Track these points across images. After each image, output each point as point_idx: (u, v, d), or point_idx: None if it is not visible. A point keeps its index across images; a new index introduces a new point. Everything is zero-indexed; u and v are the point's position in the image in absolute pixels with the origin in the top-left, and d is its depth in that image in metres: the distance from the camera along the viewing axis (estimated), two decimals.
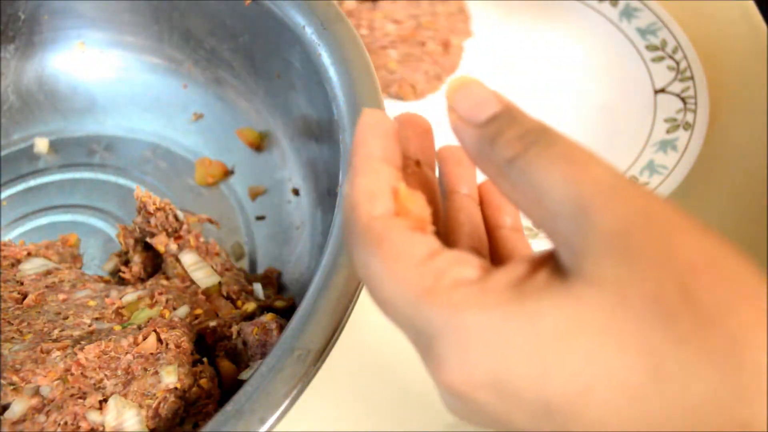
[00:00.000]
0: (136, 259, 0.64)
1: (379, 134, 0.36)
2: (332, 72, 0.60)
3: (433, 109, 0.83)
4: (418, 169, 0.40)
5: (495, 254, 0.40)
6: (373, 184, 0.33)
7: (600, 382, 0.26)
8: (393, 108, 0.82)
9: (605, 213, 0.27)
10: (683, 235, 0.27)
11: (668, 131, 0.76)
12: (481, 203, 0.42)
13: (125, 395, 0.48)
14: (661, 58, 0.82)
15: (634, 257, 0.27)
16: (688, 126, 0.76)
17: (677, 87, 0.80)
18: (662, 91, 0.80)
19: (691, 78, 0.79)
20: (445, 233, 0.40)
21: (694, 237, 0.27)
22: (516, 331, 0.28)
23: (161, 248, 0.61)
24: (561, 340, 0.27)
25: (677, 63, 0.81)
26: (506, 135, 0.32)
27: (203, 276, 0.60)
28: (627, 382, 0.26)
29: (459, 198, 0.41)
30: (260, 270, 0.68)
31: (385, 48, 0.83)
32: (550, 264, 0.29)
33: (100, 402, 0.47)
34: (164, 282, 0.60)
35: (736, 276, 0.26)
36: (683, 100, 0.78)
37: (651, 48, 0.84)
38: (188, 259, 0.61)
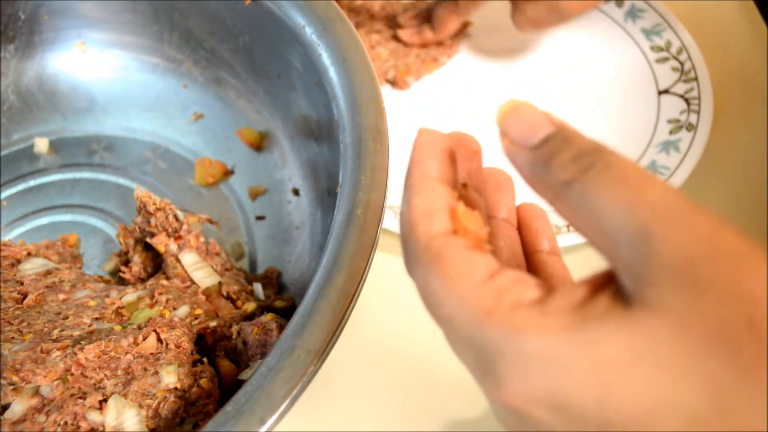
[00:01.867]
0: (136, 259, 0.64)
1: (434, 154, 0.36)
2: (332, 72, 0.59)
3: (431, 93, 0.84)
4: (465, 192, 0.40)
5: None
6: (430, 204, 0.34)
7: (661, 407, 0.27)
8: (392, 97, 0.83)
9: (668, 240, 0.27)
10: (748, 265, 0.27)
11: (671, 132, 0.76)
12: (519, 227, 0.43)
13: (125, 395, 0.48)
14: (665, 59, 0.82)
15: (699, 287, 0.26)
16: (691, 127, 0.76)
17: (681, 88, 0.79)
18: (666, 92, 0.80)
19: (695, 79, 0.79)
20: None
21: (759, 268, 0.27)
22: (578, 355, 0.28)
23: (161, 248, 0.61)
24: (623, 366, 0.27)
25: (681, 64, 0.81)
26: (561, 157, 0.31)
27: (203, 276, 0.60)
28: (688, 410, 0.26)
29: (497, 223, 0.42)
30: (260, 270, 0.68)
31: (374, 48, 0.85)
32: (611, 288, 0.29)
33: (100, 402, 0.47)
34: (164, 282, 0.60)
35: None
36: (687, 101, 0.78)
37: (655, 49, 0.83)
38: (188, 259, 0.60)
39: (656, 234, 0.27)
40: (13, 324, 0.53)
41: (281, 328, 0.52)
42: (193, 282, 0.60)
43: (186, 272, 0.60)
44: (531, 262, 0.41)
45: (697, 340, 0.26)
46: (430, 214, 0.33)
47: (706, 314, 0.26)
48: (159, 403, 0.48)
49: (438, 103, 0.83)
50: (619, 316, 0.28)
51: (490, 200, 0.42)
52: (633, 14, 0.86)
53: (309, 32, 0.62)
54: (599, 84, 0.84)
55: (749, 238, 0.28)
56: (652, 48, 0.84)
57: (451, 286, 0.31)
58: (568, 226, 0.70)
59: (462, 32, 0.88)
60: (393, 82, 0.84)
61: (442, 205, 0.34)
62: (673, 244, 0.27)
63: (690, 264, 0.27)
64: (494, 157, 0.78)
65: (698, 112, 0.76)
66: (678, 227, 0.27)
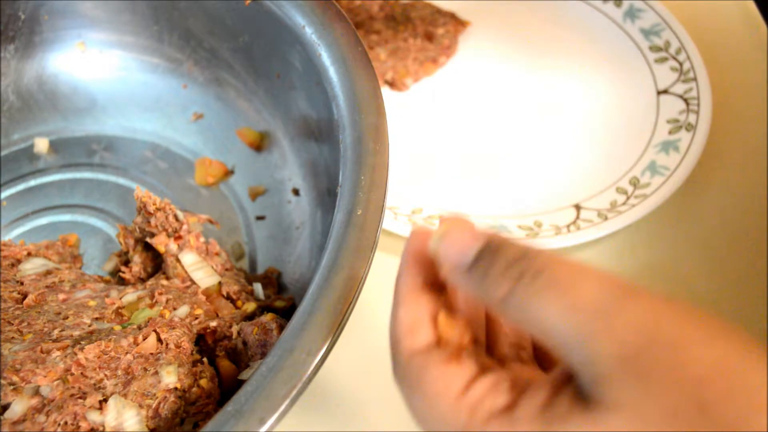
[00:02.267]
0: (136, 259, 0.64)
1: (422, 260, 0.37)
2: (332, 72, 0.59)
3: (430, 94, 0.84)
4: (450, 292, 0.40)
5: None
6: (414, 317, 0.36)
7: None
8: (391, 97, 0.83)
9: (606, 339, 0.29)
10: (690, 347, 0.28)
11: (670, 132, 0.76)
12: None
13: (125, 395, 0.48)
14: (664, 59, 0.82)
15: (647, 379, 0.28)
16: (690, 127, 0.76)
17: (680, 88, 0.79)
18: (665, 92, 0.80)
19: (694, 79, 0.79)
20: (489, 344, 0.41)
21: (701, 348, 0.28)
22: None
23: (161, 248, 0.61)
24: None
25: (680, 64, 0.81)
26: (492, 273, 0.33)
27: (203, 276, 0.60)
28: None
29: None
30: (260, 270, 0.68)
31: (372, 48, 0.85)
32: (572, 386, 0.31)
33: (100, 402, 0.47)
34: (164, 282, 0.60)
35: (746, 383, 0.27)
36: (686, 101, 0.78)
37: (654, 49, 0.83)
38: (188, 259, 0.60)
39: (594, 335, 0.29)
40: (13, 324, 0.53)
41: (281, 328, 0.52)
42: (193, 282, 0.60)
43: (186, 272, 0.60)
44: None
45: (655, 430, 0.27)
46: (412, 328, 0.36)
47: (658, 405, 0.27)
48: (159, 403, 0.48)
49: (438, 104, 0.83)
50: (579, 417, 0.29)
51: None
52: (632, 14, 0.86)
53: (309, 32, 0.62)
54: (598, 84, 0.84)
55: (693, 312, 0.29)
56: (651, 48, 0.84)
57: (430, 406, 0.33)
58: (568, 227, 0.70)
59: (460, 32, 0.88)
60: (391, 84, 0.84)
61: (425, 317, 0.36)
62: (612, 342, 0.28)
63: (633, 358, 0.28)
64: (494, 157, 0.79)
65: (697, 112, 0.76)
66: (613, 324, 0.29)
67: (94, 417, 0.46)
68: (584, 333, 0.29)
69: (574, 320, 0.29)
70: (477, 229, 0.35)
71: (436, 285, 0.38)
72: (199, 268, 0.60)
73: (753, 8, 0.90)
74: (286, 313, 0.59)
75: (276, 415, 0.40)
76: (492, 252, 0.34)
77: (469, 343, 0.36)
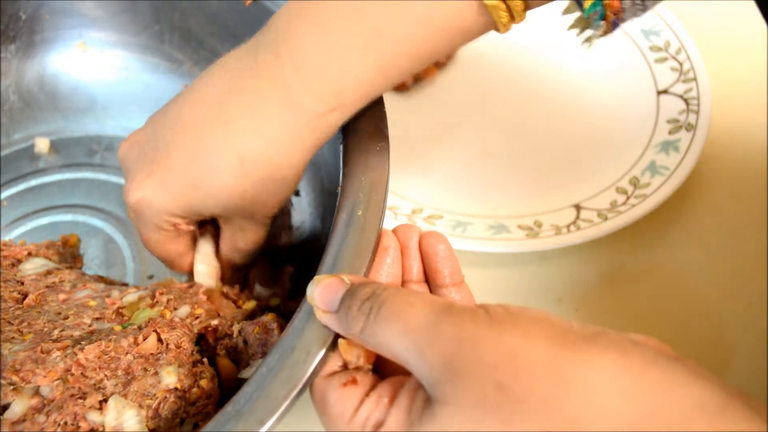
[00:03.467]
0: None
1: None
2: None
3: (430, 94, 0.85)
4: None
5: None
6: None
7: None
8: (392, 99, 0.83)
9: (432, 350, 0.36)
10: (486, 343, 0.34)
11: (670, 132, 0.76)
12: (423, 262, 0.49)
13: (125, 395, 0.48)
14: (664, 59, 0.82)
15: (460, 375, 0.34)
16: (690, 127, 0.76)
17: (680, 88, 0.80)
18: (665, 92, 0.80)
19: (695, 79, 0.79)
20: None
21: (495, 341, 0.34)
22: None
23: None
24: None
25: (680, 64, 0.81)
26: (351, 311, 0.40)
27: (205, 273, 0.61)
28: None
29: (411, 286, 0.49)
30: None
31: None
32: (422, 391, 0.37)
33: (100, 402, 0.47)
34: (165, 282, 0.60)
35: (530, 358, 0.33)
36: (686, 101, 0.78)
37: (654, 49, 0.84)
38: (205, 249, 0.61)
39: (424, 348, 0.36)
40: (13, 324, 0.53)
41: (282, 327, 0.52)
42: (194, 282, 0.60)
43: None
44: (440, 295, 0.48)
45: (474, 414, 0.34)
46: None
47: (471, 393, 0.34)
48: (159, 403, 0.48)
49: (438, 104, 0.84)
50: (427, 416, 0.36)
51: (404, 267, 0.49)
52: None
53: None
54: (598, 84, 0.84)
55: (493, 317, 0.36)
56: (651, 48, 0.84)
57: (333, 427, 0.41)
58: (568, 227, 0.71)
59: None
60: None
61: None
62: (436, 350, 0.36)
63: (447, 361, 0.35)
64: (494, 157, 0.79)
65: (697, 112, 0.77)
66: (434, 337, 0.36)
67: (94, 417, 0.46)
68: (417, 349, 0.36)
69: (408, 340, 0.37)
70: (343, 276, 0.43)
71: None
72: (205, 263, 0.61)
73: (753, 8, 0.90)
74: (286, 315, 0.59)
75: (275, 417, 0.40)
76: (351, 293, 0.41)
77: (366, 361, 0.42)
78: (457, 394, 0.34)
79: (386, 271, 0.48)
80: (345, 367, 0.43)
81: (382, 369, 0.43)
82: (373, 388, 0.41)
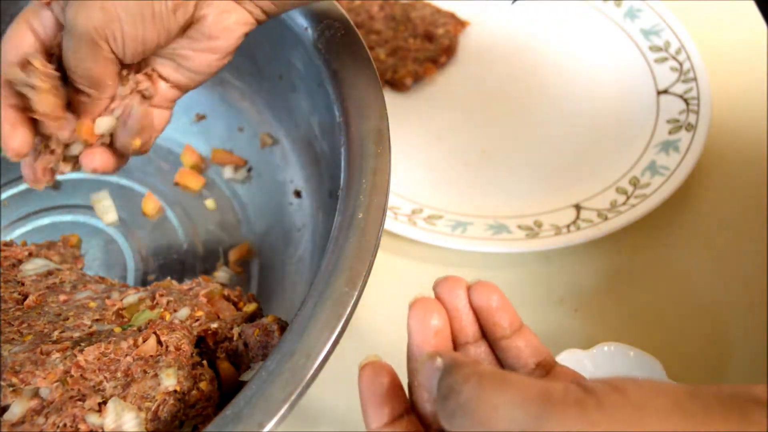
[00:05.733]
0: None
1: (380, 401, 0.40)
2: (334, 74, 0.59)
3: (430, 94, 0.85)
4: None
5: (505, 362, 0.43)
6: None
7: None
8: (392, 100, 0.83)
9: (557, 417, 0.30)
10: None
11: (670, 132, 0.76)
12: (478, 318, 0.43)
13: (124, 398, 0.48)
14: (664, 59, 0.82)
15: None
16: (690, 127, 0.76)
17: (680, 88, 0.80)
18: (665, 92, 0.80)
19: (695, 79, 0.79)
20: None
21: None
22: None
23: None
24: None
25: (680, 64, 0.81)
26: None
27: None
28: None
29: (470, 349, 0.43)
30: None
31: (372, 48, 0.85)
32: None
33: (99, 404, 0.47)
34: (165, 284, 0.60)
35: None
36: (686, 101, 0.78)
37: (654, 49, 0.84)
38: None
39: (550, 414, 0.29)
40: (13, 325, 0.53)
41: (282, 330, 0.52)
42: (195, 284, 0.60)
43: None
44: (497, 348, 0.43)
45: None
46: None
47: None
48: (158, 405, 0.48)
49: (438, 104, 0.84)
50: None
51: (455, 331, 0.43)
52: (631, 14, 0.86)
53: (311, 34, 0.62)
54: (598, 84, 0.84)
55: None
56: (650, 48, 0.84)
57: None
58: (568, 227, 0.71)
59: (460, 32, 0.88)
60: (391, 84, 0.84)
61: None
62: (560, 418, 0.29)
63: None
64: (495, 156, 0.79)
65: (697, 112, 0.77)
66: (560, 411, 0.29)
67: (93, 419, 0.46)
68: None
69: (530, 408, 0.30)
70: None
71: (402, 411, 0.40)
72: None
73: (753, 8, 0.90)
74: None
75: (275, 420, 0.40)
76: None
77: None
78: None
79: (436, 342, 0.41)
80: None
81: None
82: None
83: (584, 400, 0.29)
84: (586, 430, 0.28)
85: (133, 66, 0.53)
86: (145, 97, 0.55)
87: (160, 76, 0.55)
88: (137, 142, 0.55)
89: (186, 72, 0.55)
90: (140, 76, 0.54)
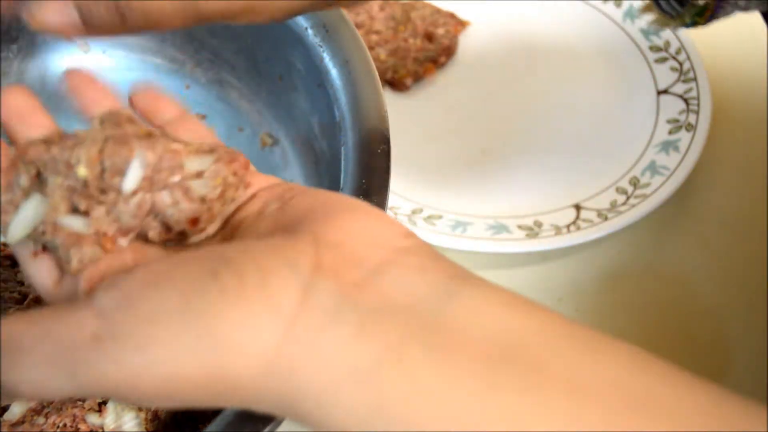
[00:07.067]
0: None
1: None
2: (334, 74, 0.59)
3: (430, 94, 0.85)
4: None
5: None
6: None
7: None
8: (392, 100, 0.83)
9: None
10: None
11: (670, 132, 0.76)
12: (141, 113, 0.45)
13: None
14: (664, 59, 0.82)
15: None
16: (690, 127, 0.76)
17: (680, 88, 0.80)
18: (665, 92, 0.80)
19: (695, 79, 0.79)
20: None
21: None
22: None
23: None
24: None
25: (680, 64, 0.81)
26: None
27: None
28: None
29: None
30: None
31: (372, 48, 0.85)
32: None
33: (99, 404, 0.47)
34: None
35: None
36: (686, 101, 0.78)
37: (654, 49, 0.84)
38: None
39: None
40: None
41: None
42: None
43: None
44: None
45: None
46: None
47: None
48: None
49: (438, 104, 0.84)
50: None
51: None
52: (631, 14, 0.86)
53: (311, 34, 0.62)
54: (598, 84, 0.84)
55: None
56: (650, 48, 0.84)
57: None
58: (568, 227, 0.71)
59: (460, 32, 0.88)
60: (391, 84, 0.84)
61: None
62: None
63: None
64: (495, 156, 0.79)
65: (697, 112, 0.77)
66: None
67: (93, 419, 0.46)
68: None
69: None
70: None
71: None
72: None
73: None
74: None
75: (276, 419, 0.41)
76: None
77: None
78: None
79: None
80: None
81: None
82: None
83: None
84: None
85: None
86: None
87: None
88: None
89: None
90: None
